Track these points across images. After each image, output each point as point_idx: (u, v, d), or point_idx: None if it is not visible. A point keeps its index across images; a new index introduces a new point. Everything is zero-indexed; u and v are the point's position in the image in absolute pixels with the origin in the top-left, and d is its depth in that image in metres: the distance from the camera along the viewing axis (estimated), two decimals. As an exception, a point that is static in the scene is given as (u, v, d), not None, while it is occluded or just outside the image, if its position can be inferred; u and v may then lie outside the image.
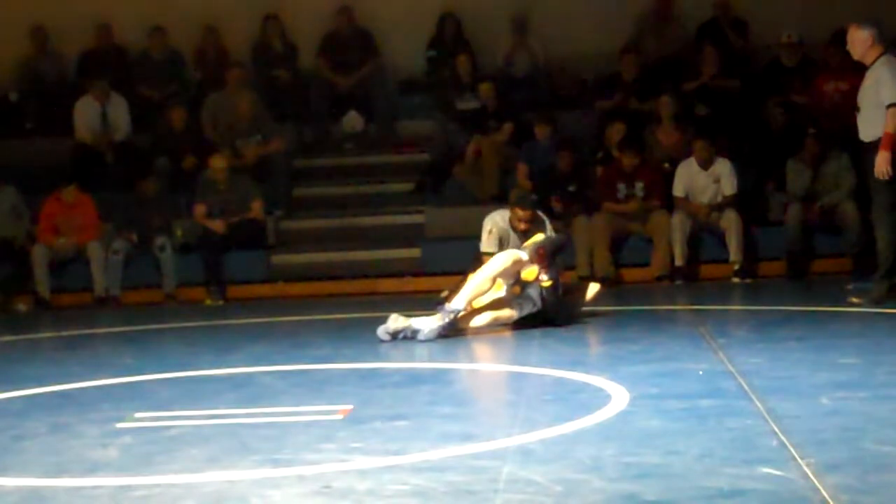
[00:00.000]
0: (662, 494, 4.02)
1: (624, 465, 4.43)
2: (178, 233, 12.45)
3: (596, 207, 12.08)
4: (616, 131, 12.61)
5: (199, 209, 12.40)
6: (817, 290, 10.83)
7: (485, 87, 13.26)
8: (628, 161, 12.07)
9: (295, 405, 5.94)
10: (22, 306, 12.14)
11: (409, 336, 8.22)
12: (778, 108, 12.60)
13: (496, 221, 9.74)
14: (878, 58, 8.96)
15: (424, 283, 11.75)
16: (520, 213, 9.56)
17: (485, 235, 9.75)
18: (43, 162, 13.42)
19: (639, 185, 12.06)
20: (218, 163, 12.47)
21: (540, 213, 9.79)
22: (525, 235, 9.55)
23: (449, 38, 14.19)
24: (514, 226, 9.60)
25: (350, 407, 5.75)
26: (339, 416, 5.56)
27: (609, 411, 5.41)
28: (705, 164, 11.97)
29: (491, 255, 9.46)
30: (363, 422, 5.43)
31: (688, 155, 12.13)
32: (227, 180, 12.45)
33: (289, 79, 14.15)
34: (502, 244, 9.66)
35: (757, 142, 12.58)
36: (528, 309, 8.58)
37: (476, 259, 9.81)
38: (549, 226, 9.72)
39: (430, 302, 10.67)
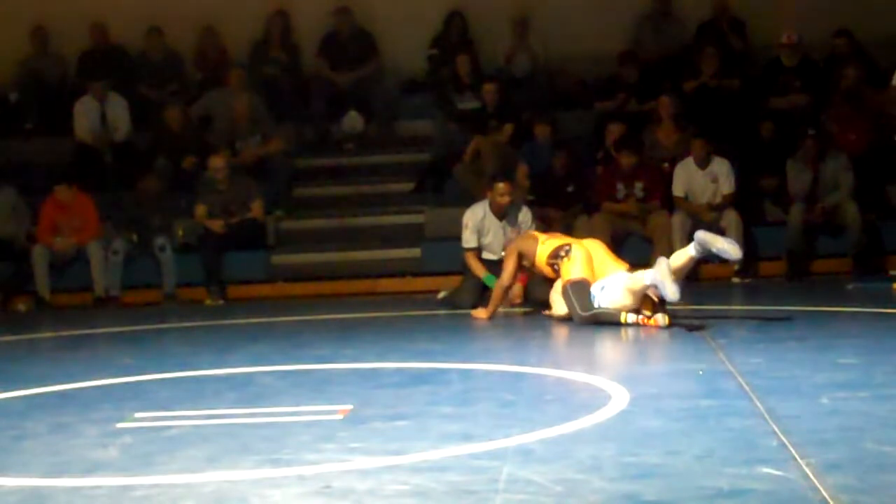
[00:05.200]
0: (662, 494, 4.02)
1: (624, 465, 4.43)
2: (179, 233, 12.45)
3: (596, 207, 12.09)
4: (614, 131, 12.62)
5: (200, 209, 12.40)
6: (817, 290, 10.83)
7: (488, 88, 13.26)
8: (625, 161, 12.08)
9: (295, 405, 5.94)
10: (22, 306, 12.14)
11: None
12: (767, 122, 12.56)
13: (474, 213, 10.31)
14: None
15: (424, 283, 11.74)
16: (500, 187, 10.15)
17: (464, 233, 10.30)
18: (43, 162, 13.44)
19: (638, 186, 12.07)
20: (217, 163, 12.47)
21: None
22: (507, 214, 10.17)
23: (454, 36, 14.20)
24: (498, 203, 10.14)
25: (350, 407, 5.75)
26: (339, 416, 5.56)
27: (609, 411, 5.41)
28: (702, 163, 11.98)
29: (471, 250, 10.24)
30: (363, 422, 5.43)
31: (686, 155, 12.15)
32: (228, 180, 12.45)
33: (289, 79, 14.14)
34: (482, 236, 10.24)
35: (747, 150, 12.56)
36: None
37: (465, 257, 10.27)
38: (525, 210, 10.33)
39: (429, 302, 10.76)
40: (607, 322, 8.36)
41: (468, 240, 10.29)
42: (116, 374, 7.20)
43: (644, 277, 8.18)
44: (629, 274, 8.41)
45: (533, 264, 9.07)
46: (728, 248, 8.14)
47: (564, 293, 8.65)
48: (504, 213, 10.25)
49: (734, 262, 8.31)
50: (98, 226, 12.37)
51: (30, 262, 12.14)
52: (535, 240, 9.14)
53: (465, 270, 10.52)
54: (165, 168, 13.12)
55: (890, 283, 10.10)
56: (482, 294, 10.30)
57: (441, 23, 14.28)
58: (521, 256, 9.17)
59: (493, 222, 10.26)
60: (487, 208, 10.29)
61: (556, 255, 8.83)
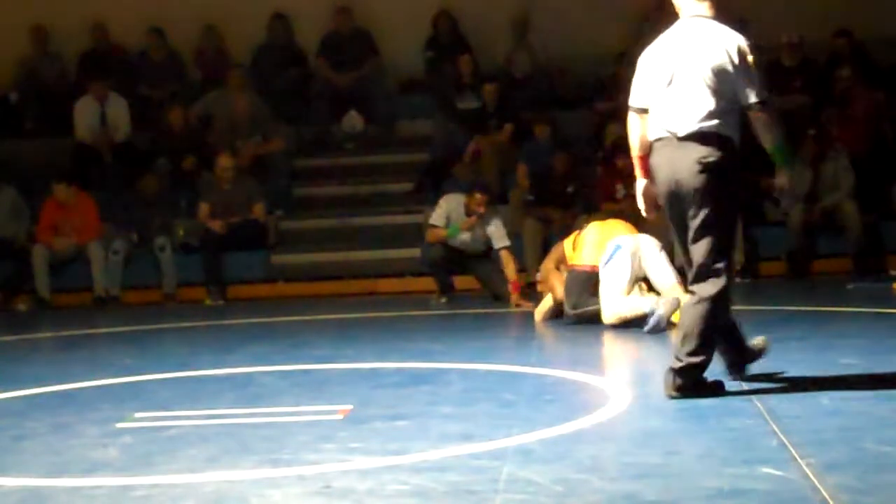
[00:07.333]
0: (662, 494, 4.03)
1: (624, 465, 4.44)
2: (179, 233, 12.44)
3: (596, 207, 12.08)
4: (613, 132, 12.60)
5: (204, 208, 12.38)
6: (817, 290, 10.82)
7: (488, 88, 13.26)
8: (621, 163, 12.08)
9: (295, 405, 5.95)
10: (22, 306, 12.14)
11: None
12: None
13: (449, 202, 10.74)
14: None
15: (424, 283, 11.73)
16: (478, 197, 10.53)
17: (436, 210, 10.77)
18: (43, 162, 13.42)
19: (637, 186, 12.06)
20: (225, 162, 12.43)
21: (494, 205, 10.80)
22: (479, 217, 10.49)
23: (445, 36, 14.17)
24: (472, 209, 10.52)
25: (350, 407, 5.75)
26: (339, 416, 5.56)
27: (609, 411, 5.42)
28: (704, 164, 11.98)
29: (436, 227, 10.65)
30: (363, 422, 5.44)
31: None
32: (232, 180, 12.44)
33: (296, 79, 14.12)
34: (450, 221, 10.66)
35: (747, 150, 12.53)
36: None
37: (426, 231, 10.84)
38: (497, 223, 10.59)
39: (429, 302, 10.77)
40: (590, 320, 8.44)
41: (436, 218, 10.71)
42: (116, 374, 7.21)
43: (644, 304, 8.22)
44: (629, 296, 8.42)
45: (565, 261, 9.08)
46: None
47: (566, 280, 8.77)
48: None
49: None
50: (98, 226, 12.36)
51: (30, 261, 12.14)
52: (560, 245, 9.26)
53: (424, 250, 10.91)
54: (165, 168, 13.12)
55: (890, 283, 10.11)
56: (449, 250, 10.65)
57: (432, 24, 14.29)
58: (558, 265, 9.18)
59: (462, 218, 10.59)
60: (465, 206, 10.64)
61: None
